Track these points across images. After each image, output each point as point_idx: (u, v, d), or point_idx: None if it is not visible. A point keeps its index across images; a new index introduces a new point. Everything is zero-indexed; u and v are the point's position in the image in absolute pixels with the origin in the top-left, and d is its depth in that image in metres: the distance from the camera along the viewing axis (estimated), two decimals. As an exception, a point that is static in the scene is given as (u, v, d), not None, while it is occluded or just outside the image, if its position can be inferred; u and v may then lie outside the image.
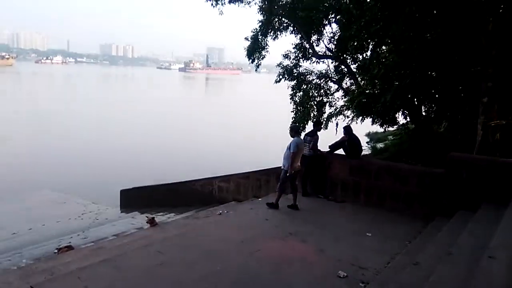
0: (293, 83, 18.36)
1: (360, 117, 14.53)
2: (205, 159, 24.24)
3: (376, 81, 12.95)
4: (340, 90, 18.00)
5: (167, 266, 5.74)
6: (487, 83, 8.62)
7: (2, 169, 19.92)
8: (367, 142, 22.24)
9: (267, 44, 18.68)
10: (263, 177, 11.09)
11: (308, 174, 9.77)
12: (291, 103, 18.28)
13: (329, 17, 16.91)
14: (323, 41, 17.79)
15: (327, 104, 18.01)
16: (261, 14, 18.16)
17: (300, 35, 18.04)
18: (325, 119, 17.27)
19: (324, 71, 18.20)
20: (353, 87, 16.61)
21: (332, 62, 18.14)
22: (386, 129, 16.97)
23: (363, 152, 11.59)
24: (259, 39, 18.44)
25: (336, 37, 17.13)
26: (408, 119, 14.84)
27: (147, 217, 9.65)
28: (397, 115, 14.13)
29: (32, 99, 53.75)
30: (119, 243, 7.52)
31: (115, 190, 15.33)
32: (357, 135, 10.11)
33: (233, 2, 17.83)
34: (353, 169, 9.30)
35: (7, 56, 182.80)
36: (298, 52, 18.34)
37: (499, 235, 4.94)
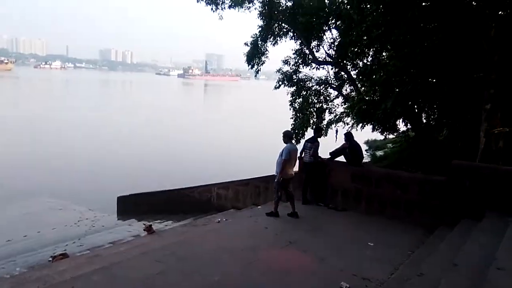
0: (292, 89, 18.26)
1: (360, 124, 14.44)
2: (203, 166, 24.06)
3: (377, 87, 12.89)
4: (340, 97, 17.90)
5: (165, 275, 5.58)
6: (490, 89, 8.53)
7: (-1, 174, 19.72)
8: (366, 150, 22.14)
9: (266, 50, 18.61)
10: (262, 184, 10.95)
11: (308, 181, 9.63)
12: (290, 109, 18.16)
13: (329, 23, 16.87)
14: (323, 47, 17.74)
15: (327, 110, 17.91)
16: (261, 19, 18.11)
17: (300, 41, 17.97)
18: (324, 126, 17.15)
19: (324, 78, 18.12)
20: (353, 93, 16.53)
21: (332, 68, 18.07)
22: (386, 137, 16.87)
23: (363, 160, 11.46)
24: (259, 45, 18.36)
25: (336, 43, 17.08)
26: (409, 127, 14.76)
27: (144, 224, 9.49)
28: (397, 122, 14.03)
29: (30, 105, 53.55)
30: (115, 251, 7.37)
31: (112, 197, 15.14)
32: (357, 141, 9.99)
33: (233, 7, 17.76)
34: (354, 177, 9.17)
35: (6, 61, 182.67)
36: (298, 58, 18.26)
37: (506, 245, 4.81)
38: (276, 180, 8.56)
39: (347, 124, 16.85)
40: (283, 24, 18.10)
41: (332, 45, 17.44)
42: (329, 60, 17.67)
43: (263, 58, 18.78)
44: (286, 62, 18.41)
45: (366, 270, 5.87)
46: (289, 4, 17.58)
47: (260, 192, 11.07)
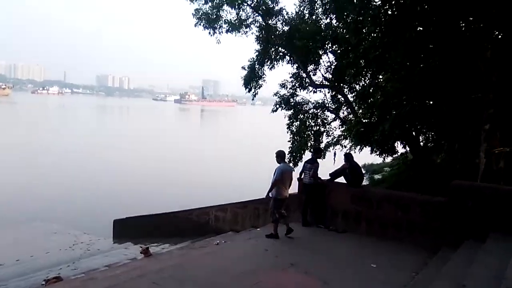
0: (290, 112, 18.32)
1: (358, 147, 14.43)
2: (200, 190, 23.85)
3: (374, 109, 12.93)
4: (337, 120, 17.96)
5: (162, 299, 5.40)
6: (489, 109, 8.55)
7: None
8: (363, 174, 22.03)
9: (264, 73, 18.76)
10: (261, 206, 10.73)
11: (308, 202, 9.49)
12: (287, 132, 18.17)
13: (326, 46, 17.09)
14: (319, 70, 17.93)
15: (324, 133, 17.95)
16: (258, 43, 18.32)
17: (296, 65, 18.14)
18: (322, 148, 17.12)
19: (321, 101, 18.23)
20: (351, 116, 16.58)
21: (329, 92, 18.20)
22: (384, 160, 16.82)
23: (363, 181, 11.36)
24: (256, 68, 18.52)
25: (333, 67, 17.25)
26: (407, 149, 14.74)
27: (141, 247, 9.29)
28: (396, 145, 14.01)
29: (25, 130, 53.36)
30: (111, 274, 7.15)
31: (108, 220, 14.90)
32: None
33: (230, 32, 17.98)
34: (354, 198, 9.05)
35: (3, 86, 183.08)
36: (294, 81, 18.40)
37: (514, 265, 4.69)
38: (275, 200, 8.45)
39: (345, 146, 16.84)
40: (279, 48, 18.31)
41: (329, 68, 17.62)
42: (326, 83, 17.81)
43: (260, 82, 18.91)
44: (283, 85, 18.51)
45: (370, 293, 5.72)
46: (286, 28, 17.84)
47: (259, 214, 10.88)
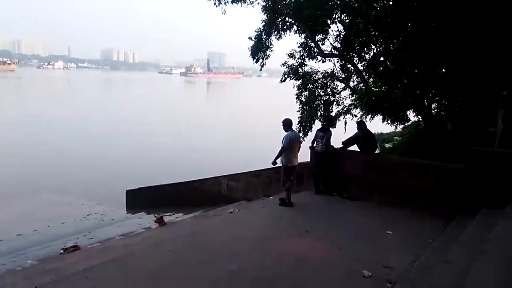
0: (298, 82, 18.06)
1: (370, 115, 14.25)
2: (211, 159, 23.91)
3: (386, 78, 12.69)
4: (347, 89, 17.70)
5: (180, 266, 5.44)
6: (508, 75, 8.31)
7: (6, 171, 19.68)
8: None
9: (271, 44, 18.36)
10: (273, 175, 10.73)
11: (321, 171, 9.46)
12: (297, 102, 17.98)
13: (334, 15, 16.66)
14: (328, 39, 17.48)
15: (334, 103, 17.70)
16: (264, 13, 17.91)
17: (304, 34, 17.72)
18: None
19: (330, 70, 17.93)
20: (361, 85, 16.32)
21: (338, 61, 17.86)
22: (396, 128, 16.64)
23: (377, 149, 11.28)
24: (263, 39, 18.15)
25: (342, 36, 16.87)
26: (419, 117, 14.56)
27: (155, 216, 9.35)
28: (408, 113, 13.81)
29: (34, 104, 53.58)
30: (127, 243, 7.24)
31: (121, 191, 15.04)
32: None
33: (236, 2, 17.54)
34: (368, 166, 9.00)
35: (8, 62, 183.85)
36: (303, 51, 18.02)
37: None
38: (285, 168, 8.44)
39: (355, 116, 16.67)
40: (287, 18, 17.88)
41: (338, 37, 17.23)
42: (335, 52, 17.47)
43: (267, 52, 18.55)
44: (291, 55, 18.17)
45: (387, 259, 5.72)
46: (293, -2, 17.38)
47: (271, 183, 10.87)
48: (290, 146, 8.39)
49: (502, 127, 8.56)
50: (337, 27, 16.99)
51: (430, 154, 11.94)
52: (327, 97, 17.79)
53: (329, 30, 17.19)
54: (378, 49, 14.42)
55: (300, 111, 17.70)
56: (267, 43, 18.26)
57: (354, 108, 16.53)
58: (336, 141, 9.85)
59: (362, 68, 16.42)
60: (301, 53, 18.05)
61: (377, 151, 16.03)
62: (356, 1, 14.02)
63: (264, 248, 6.09)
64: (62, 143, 28.58)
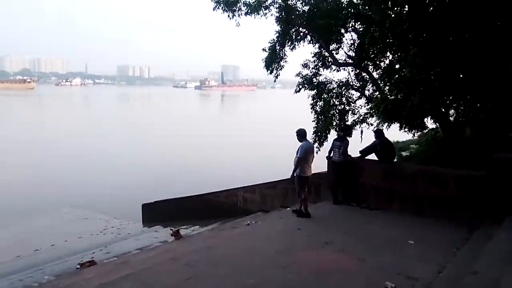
0: (313, 92, 17.98)
1: (386, 123, 14.03)
2: (227, 172, 23.88)
3: (402, 85, 12.50)
4: (362, 98, 17.53)
5: (198, 281, 5.34)
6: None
7: (25, 187, 20.00)
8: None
9: (285, 55, 18.33)
10: (290, 186, 10.58)
11: (339, 181, 9.30)
12: (311, 112, 17.86)
13: (348, 24, 16.59)
14: (342, 48, 17.40)
15: (350, 112, 17.54)
16: (278, 24, 17.93)
17: (318, 44, 17.69)
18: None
19: (344, 79, 17.80)
20: (376, 93, 16.14)
21: (352, 70, 17.75)
22: (414, 135, 16.35)
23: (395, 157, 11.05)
24: (277, 50, 18.15)
25: (356, 44, 16.77)
26: (437, 124, 14.28)
27: (171, 229, 9.27)
28: (425, 120, 13.56)
29: (52, 120, 54.53)
30: (144, 257, 7.16)
31: (137, 205, 15.09)
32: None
33: (249, 14, 17.58)
34: (387, 174, 8.81)
35: (28, 80, 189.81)
36: (317, 61, 17.97)
37: None
38: (299, 178, 8.32)
39: (371, 124, 16.47)
40: (300, 28, 17.87)
41: (352, 46, 17.14)
42: (350, 61, 17.36)
43: (281, 63, 18.53)
44: (305, 65, 18.13)
45: (411, 269, 5.53)
46: (306, 8, 17.37)
47: (288, 194, 10.73)
48: (305, 156, 8.29)
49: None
50: (351, 36, 16.92)
51: (449, 162, 11.67)
52: (343, 106, 17.63)
53: (343, 39, 17.13)
54: (394, 57, 14.25)
55: (315, 121, 17.58)
56: (281, 54, 18.25)
57: (370, 117, 16.35)
58: (353, 150, 9.70)
59: (377, 76, 16.27)
60: (315, 63, 18.00)
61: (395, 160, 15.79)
62: (369, 9, 13.95)
63: (283, 261, 5.94)
64: (79, 158, 28.92)
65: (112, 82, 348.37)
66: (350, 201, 9.22)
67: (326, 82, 17.97)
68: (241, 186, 12.47)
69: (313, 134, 16.38)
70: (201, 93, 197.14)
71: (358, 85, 17.69)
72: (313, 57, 18.00)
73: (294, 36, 17.95)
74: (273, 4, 17.52)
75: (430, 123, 14.17)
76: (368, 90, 17.35)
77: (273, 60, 18.29)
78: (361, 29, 16.05)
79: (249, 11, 17.33)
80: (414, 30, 10.62)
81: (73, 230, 12.84)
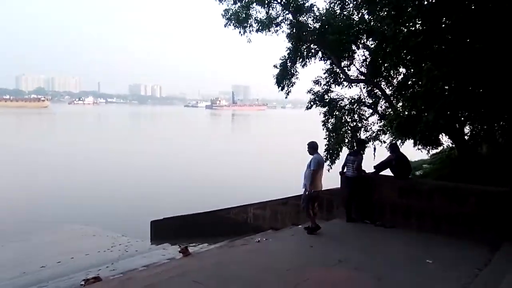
0: (324, 109, 17.78)
1: (400, 140, 13.74)
2: (237, 189, 23.59)
3: (416, 101, 12.26)
4: (375, 114, 17.28)
5: (205, 298, 5.07)
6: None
7: (33, 204, 19.93)
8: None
9: (296, 71, 18.25)
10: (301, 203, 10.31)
11: (352, 197, 9.00)
12: (323, 129, 17.64)
13: (360, 41, 16.49)
14: (354, 65, 17.26)
15: (362, 129, 17.27)
16: (289, 41, 17.92)
17: (330, 60, 17.58)
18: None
19: (356, 96, 17.60)
20: (389, 110, 15.89)
21: (364, 87, 17.56)
22: (429, 152, 15.98)
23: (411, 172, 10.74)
24: (288, 66, 18.09)
25: (368, 60, 16.62)
26: (451, 142, 13.95)
27: (179, 246, 9.02)
28: (440, 137, 13.25)
29: (63, 137, 55.01)
30: (150, 273, 6.89)
31: (145, 222, 14.88)
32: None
33: (260, 31, 17.63)
34: (403, 191, 8.50)
35: (42, 99, 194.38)
36: (329, 77, 17.83)
37: None
38: (306, 193, 8.06)
39: (384, 142, 16.17)
40: (312, 45, 17.82)
41: (364, 62, 16.99)
42: (362, 78, 17.19)
43: (293, 80, 18.44)
44: (316, 82, 17.99)
45: (431, 290, 5.20)
46: (317, 25, 17.34)
47: (299, 211, 10.41)
48: (317, 169, 8.05)
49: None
50: (363, 52, 16.80)
51: (465, 180, 11.30)
52: (355, 123, 17.38)
53: (355, 55, 17.02)
54: (408, 71, 14.05)
55: (327, 138, 17.34)
56: (292, 71, 18.16)
57: (382, 133, 16.05)
58: (367, 166, 9.41)
59: (390, 92, 16.06)
60: (327, 79, 17.85)
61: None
62: (381, 25, 13.83)
63: (295, 280, 5.65)
64: (88, 175, 28.96)
65: (124, 101, 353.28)
66: (364, 219, 8.90)
67: (338, 99, 17.78)
68: (251, 202, 12.21)
69: (324, 151, 16.11)
70: (212, 113, 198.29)
71: (370, 101, 17.46)
72: (324, 73, 17.86)
73: (305, 52, 17.90)
74: (284, 21, 17.58)
75: (444, 140, 13.86)
76: (381, 107, 17.11)
77: (284, 77, 18.20)
78: (372, 45, 15.93)
79: (260, 27, 17.38)
80: (429, 43, 10.44)
81: (81, 247, 12.66)
